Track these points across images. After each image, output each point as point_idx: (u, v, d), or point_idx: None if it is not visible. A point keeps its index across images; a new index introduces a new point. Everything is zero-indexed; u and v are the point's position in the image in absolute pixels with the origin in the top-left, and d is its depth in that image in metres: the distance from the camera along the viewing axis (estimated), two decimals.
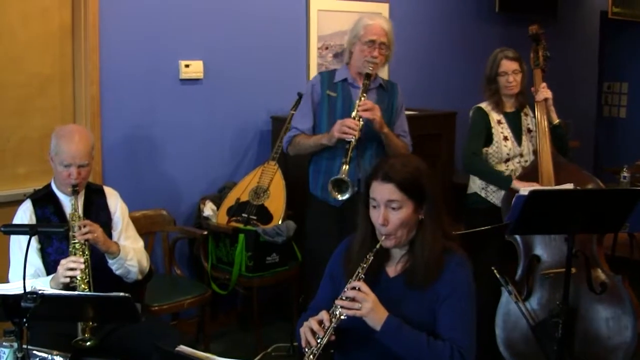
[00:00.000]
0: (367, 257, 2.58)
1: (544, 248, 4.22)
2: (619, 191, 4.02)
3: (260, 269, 4.86)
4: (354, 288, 2.52)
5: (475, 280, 2.63)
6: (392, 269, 2.70)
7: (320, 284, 2.85)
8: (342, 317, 2.50)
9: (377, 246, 2.59)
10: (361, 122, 3.91)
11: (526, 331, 4.02)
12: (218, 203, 5.06)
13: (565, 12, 8.00)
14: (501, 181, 4.44)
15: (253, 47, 5.38)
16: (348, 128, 3.88)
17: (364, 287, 2.52)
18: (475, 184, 4.64)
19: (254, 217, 4.84)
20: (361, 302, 2.49)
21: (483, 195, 4.60)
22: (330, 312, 2.53)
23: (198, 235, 4.90)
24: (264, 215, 4.84)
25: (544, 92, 4.50)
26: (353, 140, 3.87)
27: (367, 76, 4.08)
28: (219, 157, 5.33)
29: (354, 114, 3.94)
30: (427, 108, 6.04)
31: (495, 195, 4.54)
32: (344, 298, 2.51)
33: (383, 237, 2.59)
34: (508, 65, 4.53)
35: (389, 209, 2.56)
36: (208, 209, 5.01)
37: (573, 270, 4.10)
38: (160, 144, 5.02)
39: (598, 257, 4.20)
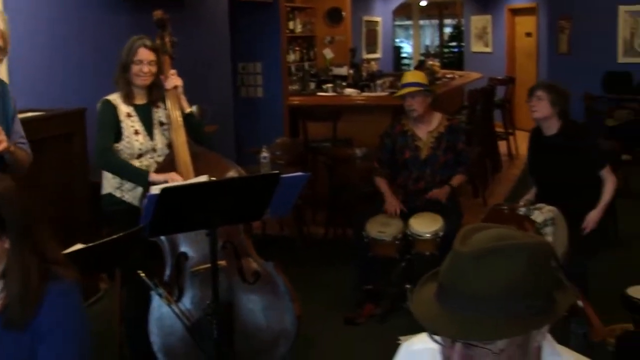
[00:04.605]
0: None
1: (190, 244, 4.03)
2: (254, 178, 3.89)
3: None
4: None
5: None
6: None
7: None
8: None
9: None
10: None
11: (183, 333, 3.78)
12: None
13: None
14: (138, 176, 4.11)
15: None
16: None
17: None
18: (109, 183, 4.26)
19: None
20: None
21: (118, 195, 4.24)
22: None
23: None
24: None
25: (173, 80, 4.28)
26: None
27: None
28: None
29: None
30: (55, 107, 5.57)
31: (131, 194, 4.21)
32: None
33: None
34: (145, 54, 4.19)
35: None
36: None
37: (223, 263, 3.97)
38: None
39: (247, 247, 4.11)
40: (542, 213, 4.35)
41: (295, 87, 10.14)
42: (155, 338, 3.93)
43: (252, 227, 6.70)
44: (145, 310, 3.92)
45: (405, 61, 19.56)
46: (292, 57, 10.81)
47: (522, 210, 4.41)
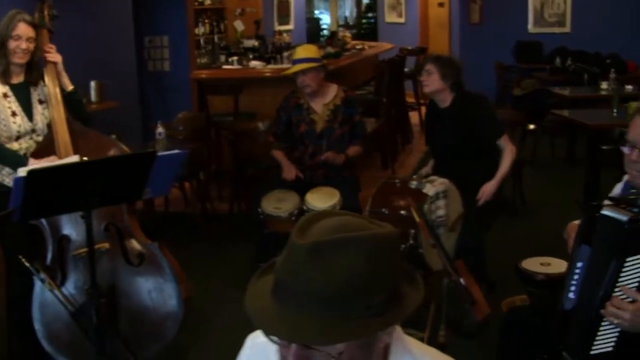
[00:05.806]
0: None
1: (72, 227, 3.88)
2: (127, 157, 3.75)
3: None
4: None
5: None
6: None
7: None
8: None
9: None
10: None
11: (68, 320, 3.63)
12: None
13: None
14: (15, 162, 3.91)
15: None
16: None
17: None
18: None
19: None
20: None
21: None
22: None
23: None
24: None
25: (51, 55, 4.11)
26: None
27: None
28: None
29: None
30: None
31: (12, 178, 3.99)
32: None
33: None
34: (24, 30, 3.98)
35: None
36: None
37: (107, 245, 3.86)
38: None
39: (132, 227, 3.98)
40: (434, 186, 4.31)
41: (205, 60, 9.96)
42: (39, 325, 3.81)
43: (154, 206, 6.62)
44: (31, 297, 3.79)
45: (325, 32, 19.46)
46: (201, 29, 10.56)
47: (414, 184, 4.37)
